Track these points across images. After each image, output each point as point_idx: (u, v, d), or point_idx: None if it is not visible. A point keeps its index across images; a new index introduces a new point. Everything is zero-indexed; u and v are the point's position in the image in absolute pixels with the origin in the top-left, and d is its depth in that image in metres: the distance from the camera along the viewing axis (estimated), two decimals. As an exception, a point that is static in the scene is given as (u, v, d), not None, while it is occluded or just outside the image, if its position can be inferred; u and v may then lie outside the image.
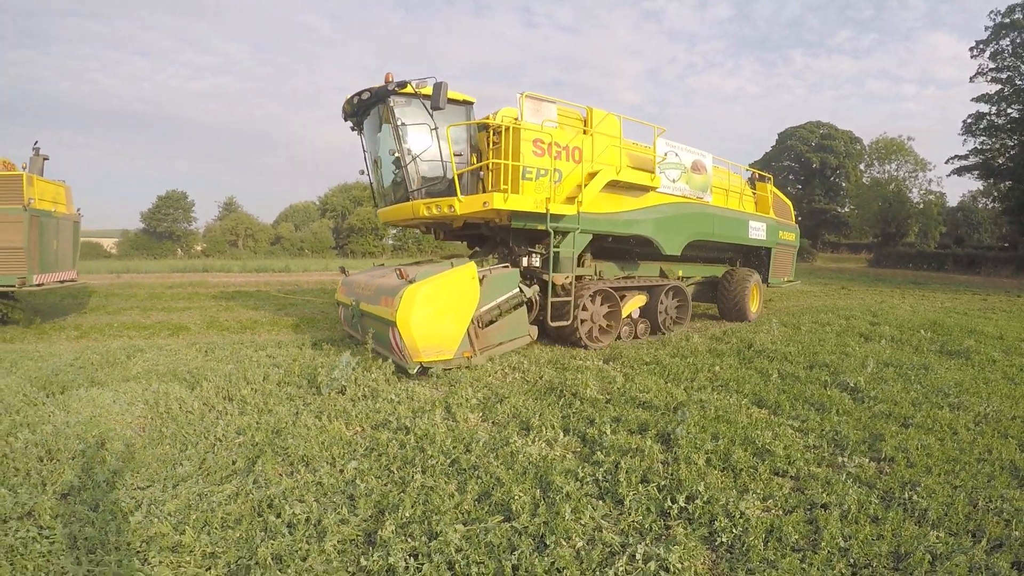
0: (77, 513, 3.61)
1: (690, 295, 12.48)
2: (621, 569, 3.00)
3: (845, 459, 4.54)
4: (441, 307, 7.25)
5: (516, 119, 8.48)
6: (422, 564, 3.06)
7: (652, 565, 3.02)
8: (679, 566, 3.02)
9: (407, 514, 3.55)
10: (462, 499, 3.76)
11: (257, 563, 3.08)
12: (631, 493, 3.87)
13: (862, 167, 57.55)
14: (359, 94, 8.86)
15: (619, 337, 10.00)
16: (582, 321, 9.26)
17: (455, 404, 5.82)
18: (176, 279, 24.92)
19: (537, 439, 4.91)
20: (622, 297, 10.07)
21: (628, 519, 3.59)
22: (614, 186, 9.37)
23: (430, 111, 8.26)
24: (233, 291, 19.60)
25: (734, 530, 3.42)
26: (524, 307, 8.40)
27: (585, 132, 9.16)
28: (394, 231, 47.03)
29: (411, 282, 7.26)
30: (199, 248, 51.54)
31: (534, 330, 8.53)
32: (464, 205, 8.32)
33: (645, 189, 9.93)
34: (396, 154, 8.93)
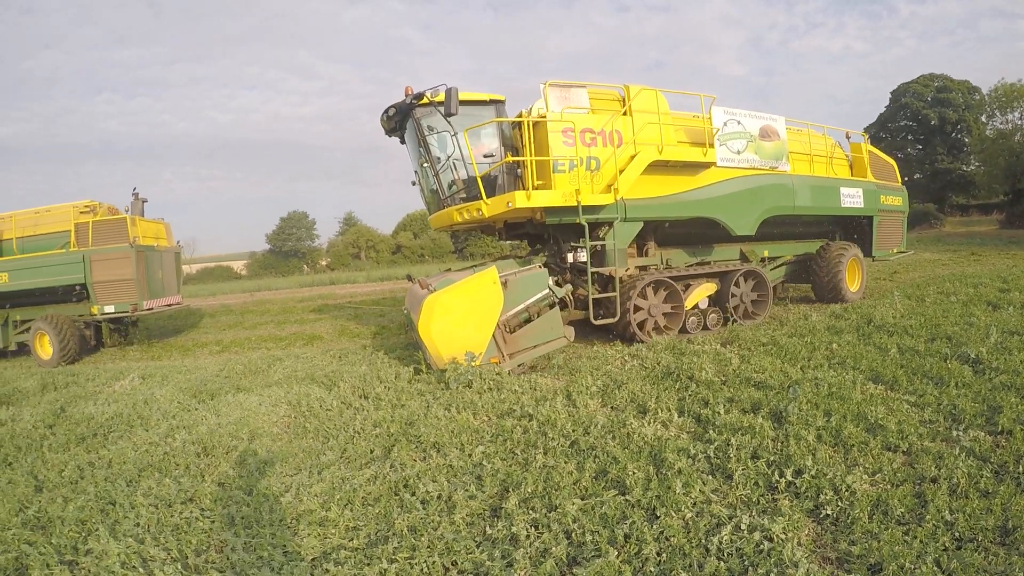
0: (233, 497, 4.22)
1: (776, 278, 11.74)
2: (726, 538, 3.18)
3: (960, 433, 4.45)
4: (461, 315, 7.16)
5: (542, 112, 8.27)
6: (542, 532, 3.39)
7: (756, 535, 3.18)
8: (783, 536, 3.16)
9: (529, 490, 3.90)
10: (580, 476, 4.07)
11: (394, 534, 3.51)
12: (740, 468, 4.02)
13: (984, 119, 52.46)
14: (387, 111, 9.10)
15: (684, 330, 9.30)
16: (636, 312, 8.74)
17: (575, 392, 6.12)
18: (305, 293, 26.72)
19: (653, 421, 5.14)
20: (687, 287, 9.40)
21: (736, 492, 3.76)
22: (662, 167, 8.81)
23: (446, 118, 8.21)
24: (360, 300, 20.83)
25: (840, 503, 3.51)
26: (556, 308, 8.01)
27: (624, 113, 8.66)
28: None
29: (431, 292, 7.33)
30: (324, 263, 54.42)
31: (570, 331, 8.10)
32: (491, 207, 8.14)
33: (700, 166, 9.24)
34: (425, 163, 9.10)
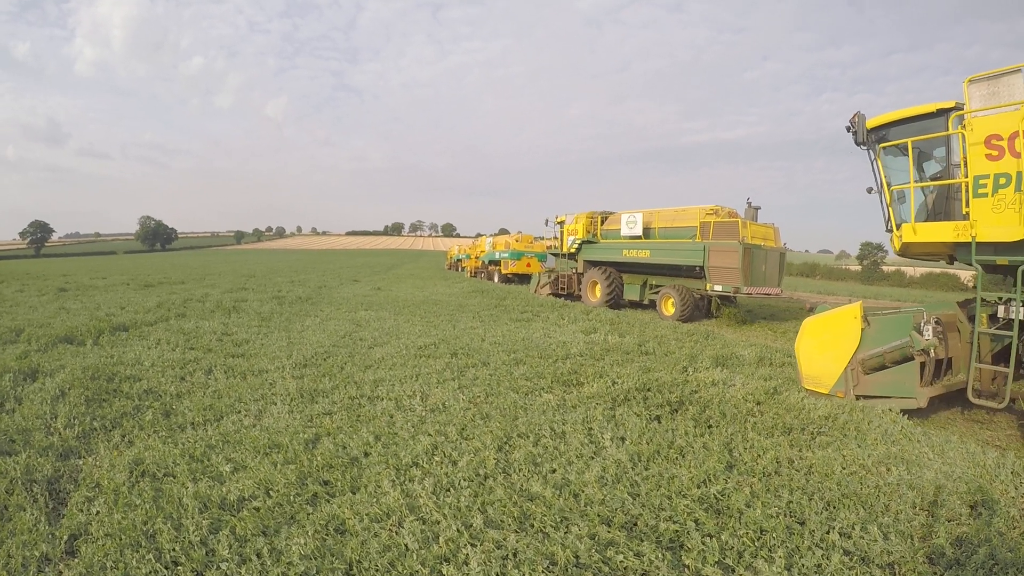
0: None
1: None
2: None
3: None
4: (823, 342, 7.70)
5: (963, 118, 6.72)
6: None
7: None
8: None
9: None
10: None
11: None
12: None
13: None
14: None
15: None
16: None
17: None
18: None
19: None
20: None
21: None
22: None
23: (859, 145, 7.87)
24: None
25: None
26: (914, 362, 6.93)
27: None
28: None
29: (811, 314, 8.05)
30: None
31: (924, 395, 6.87)
32: (896, 240, 7.70)
33: None
34: (872, 191, 8.33)
